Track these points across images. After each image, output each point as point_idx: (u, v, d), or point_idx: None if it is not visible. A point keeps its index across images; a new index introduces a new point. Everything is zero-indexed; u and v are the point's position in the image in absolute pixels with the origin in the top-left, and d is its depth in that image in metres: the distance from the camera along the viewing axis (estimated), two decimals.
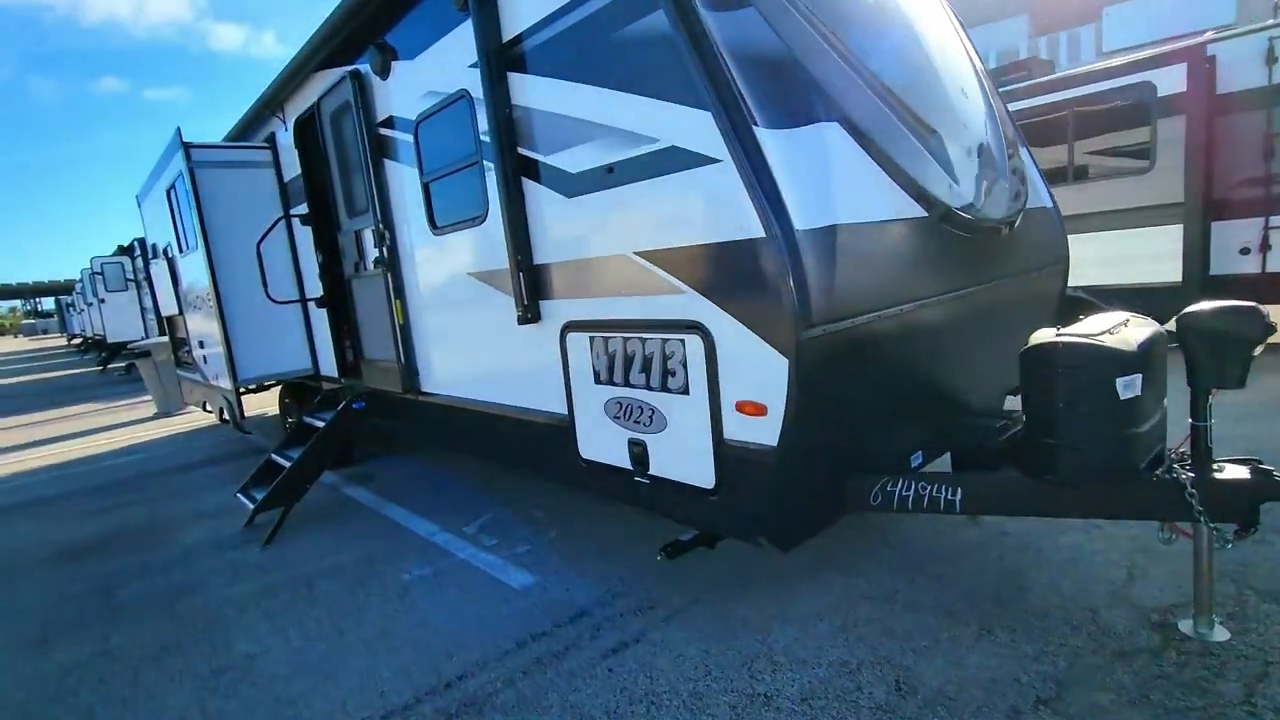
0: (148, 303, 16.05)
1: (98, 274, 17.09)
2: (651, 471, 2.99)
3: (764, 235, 2.32)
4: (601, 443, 3.22)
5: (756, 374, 2.45)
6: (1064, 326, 2.99)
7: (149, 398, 12.05)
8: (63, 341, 47.08)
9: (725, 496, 2.70)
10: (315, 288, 6.02)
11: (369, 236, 4.72)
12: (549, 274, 3.34)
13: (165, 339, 10.61)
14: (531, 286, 3.38)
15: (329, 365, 6.17)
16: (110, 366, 19.34)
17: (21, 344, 59.67)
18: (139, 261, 16.39)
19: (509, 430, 3.90)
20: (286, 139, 5.92)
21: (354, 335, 5.42)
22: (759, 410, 2.47)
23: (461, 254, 3.94)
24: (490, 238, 3.64)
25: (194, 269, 6.51)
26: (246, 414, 6.33)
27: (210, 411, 7.74)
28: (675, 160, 2.57)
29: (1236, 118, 6.51)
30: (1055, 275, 3.99)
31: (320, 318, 6.07)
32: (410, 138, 4.15)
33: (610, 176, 2.86)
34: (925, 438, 3.45)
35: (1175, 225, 6.65)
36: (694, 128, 2.47)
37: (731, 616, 3.33)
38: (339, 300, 5.90)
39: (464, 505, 5.33)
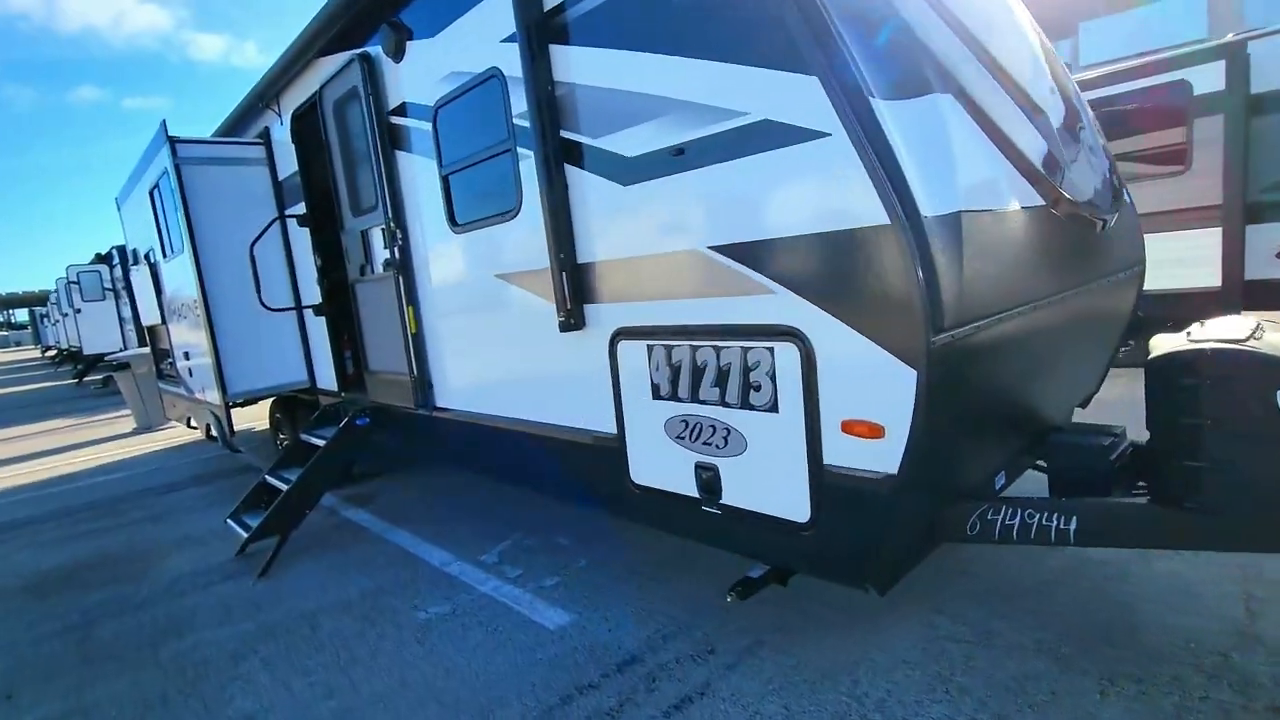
0: (126, 313, 15.37)
1: (74, 283, 16.36)
2: (725, 501, 2.58)
3: (887, 222, 1.92)
4: (660, 466, 2.80)
5: (872, 388, 2.05)
6: (1172, 333, 2.64)
7: (128, 412, 11.43)
8: (36, 354, 45.72)
9: (822, 532, 2.30)
10: (312, 294, 5.56)
11: (377, 237, 4.28)
12: (596, 274, 2.92)
13: (146, 350, 10.02)
14: (575, 289, 2.96)
15: (327, 378, 5.69)
16: (86, 379, 18.57)
17: None
18: (117, 270, 15.72)
19: (542, 451, 3.46)
20: (282, 134, 5.47)
21: (356, 345, 4.96)
22: (874, 431, 2.07)
23: (487, 254, 3.52)
24: (523, 234, 3.22)
25: (179, 275, 6.01)
26: (235, 429, 5.83)
27: (195, 428, 7.21)
28: (768, 136, 2.17)
29: (1271, 118, 6.26)
30: (1134, 279, 3.64)
31: (318, 327, 5.60)
32: (427, 126, 3.73)
33: (679, 159, 2.46)
34: (1010, 457, 3.07)
35: (1214, 228, 6.37)
36: (795, 97, 2.08)
37: (805, 663, 2.91)
38: (339, 308, 5.44)
39: (478, 530, 4.87)
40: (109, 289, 16.19)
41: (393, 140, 4.05)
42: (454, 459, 4.53)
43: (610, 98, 2.68)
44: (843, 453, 2.17)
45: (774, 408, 2.32)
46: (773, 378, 2.30)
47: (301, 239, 5.52)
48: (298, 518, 4.62)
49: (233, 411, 5.80)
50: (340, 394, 5.48)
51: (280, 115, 5.40)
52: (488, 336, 3.67)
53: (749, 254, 2.30)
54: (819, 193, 2.08)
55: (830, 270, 2.10)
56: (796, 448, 2.27)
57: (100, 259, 16.64)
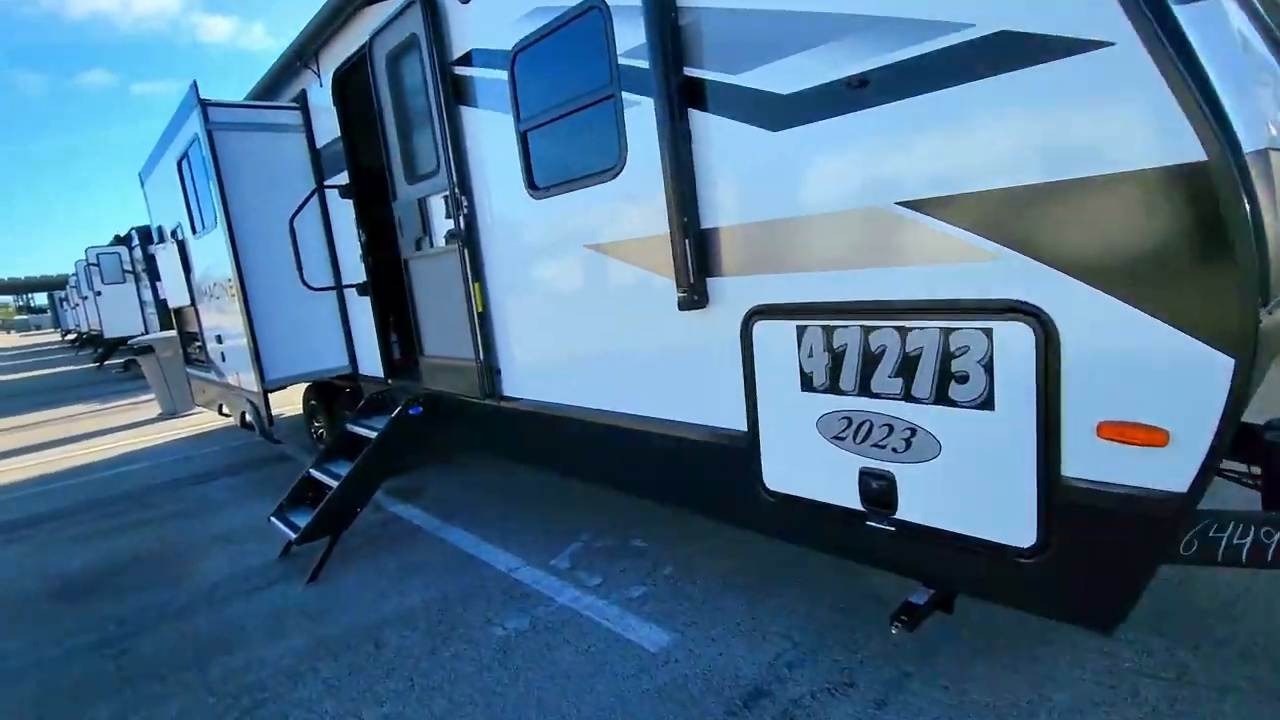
0: (147, 295, 15.03)
1: (93, 265, 16.02)
2: (901, 515, 2.10)
3: (1203, 159, 1.42)
4: (807, 471, 2.33)
5: (1155, 381, 1.57)
6: None
7: (151, 397, 11.08)
8: (56, 337, 45.78)
9: (1051, 559, 1.82)
10: (355, 272, 5.10)
11: (438, 206, 3.81)
12: (727, 242, 2.44)
13: (172, 334, 9.63)
14: (699, 260, 2.48)
15: (371, 363, 5.25)
16: (107, 363, 18.29)
17: (13, 340, 58.15)
18: (137, 252, 15.35)
19: (643, 449, 3.00)
20: (322, 96, 4.98)
21: (408, 327, 4.50)
22: (1153, 438, 1.58)
23: (578, 220, 3.04)
24: (628, 196, 2.73)
25: (211, 252, 5.56)
26: (273, 418, 5.41)
27: (227, 415, 6.80)
28: (1006, 53, 1.67)
29: None
30: None
31: (361, 308, 5.15)
32: (502, 75, 3.23)
33: (858, 93, 1.96)
34: None
35: None
36: None
37: (969, 702, 2.45)
38: (384, 287, 4.98)
39: (541, 529, 4.43)
40: (129, 271, 15.83)
41: (457, 94, 3.56)
42: (524, 455, 4.08)
43: (757, 22, 2.18)
44: (1096, 463, 1.69)
45: (988, 404, 1.83)
46: (988, 367, 1.82)
47: (343, 212, 5.06)
48: (348, 517, 4.19)
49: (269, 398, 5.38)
50: (387, 381, 5.04)
51: (319, 75, 4.91)
52: (574, 317, 3.19)
53: (961, 210, 1.81)
54: (1087, 124, 1.58)
55: (1096, 227, 1.60)
56: (1022, 454, 1.79)
57: (119, 240, 16.28)
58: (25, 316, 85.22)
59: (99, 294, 16.29)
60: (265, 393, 5.13)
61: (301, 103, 5.24)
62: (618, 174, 2.75)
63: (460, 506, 5.05)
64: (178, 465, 7.38)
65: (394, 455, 4.38)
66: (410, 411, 4.39)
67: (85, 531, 5.49)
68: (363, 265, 4.94)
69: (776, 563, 3.58)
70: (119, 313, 15.94)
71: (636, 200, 2.68)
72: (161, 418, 10.31)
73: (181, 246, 6.31)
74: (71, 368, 21.02)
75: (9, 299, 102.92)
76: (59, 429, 10.47)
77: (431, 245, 3.92)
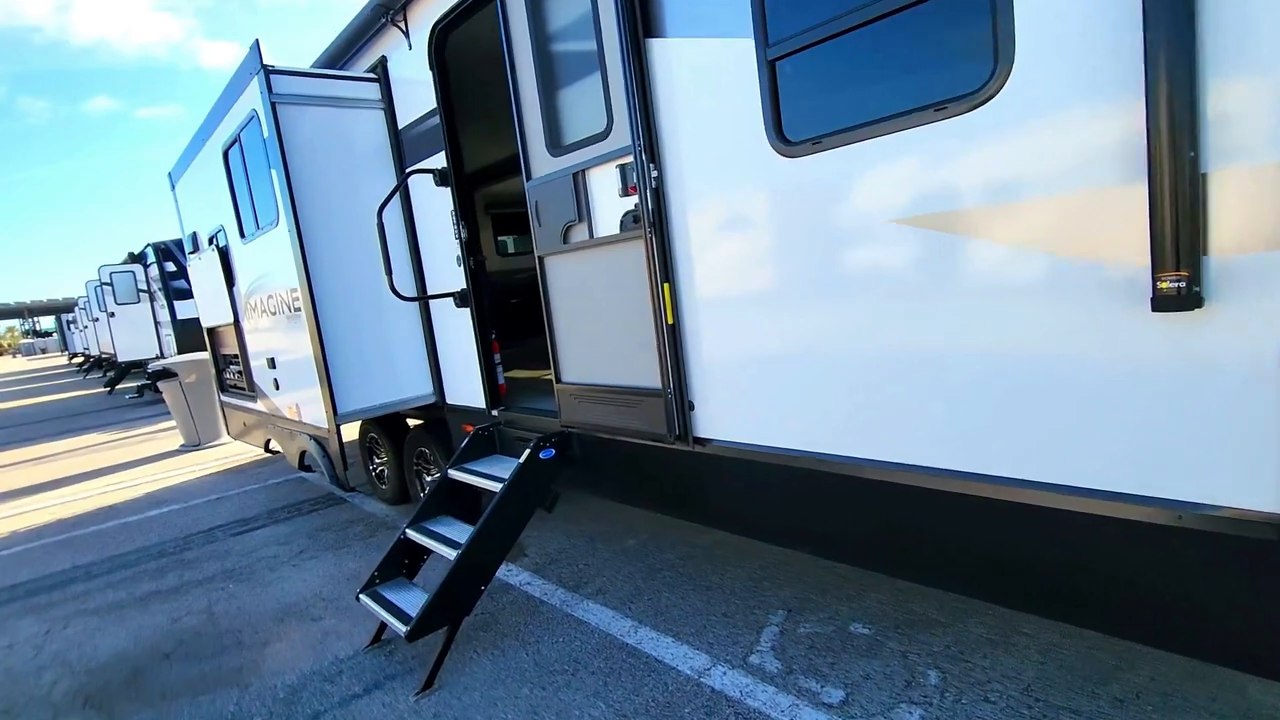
0: (163, 315, 14.04)
1: (106, 284, 15.05)
2: None
3: None
4: None
5: None
6: None
7: (171, 425, 10.06)
8: (63, 360, 44.86)
9: None
10: (446, 278, 4.10)
11: (604, 180, 2.80)
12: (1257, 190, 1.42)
13: (200, 356, 8.64)
14: (1192, 229, 1.46)
15: (466, 391, 4.23)
16: (119, 388, 17.29)
17: (20, 364, 57.18)
18: (153, 270, 14.39)
19: (1011, 530, 1.96)
20: (407, 64, 4.00)
21: (550, 346, 3.48)
22: None
23: (879, 181, 2.02)
24: (1022, 130, 1.72)
25: (265, 258, 4.57)
26: (347, 460, 4.36)
27: (275, 453, 5.77)
28: None
29: None
30: None
31: (455, 323, 4.14)
32: None
33: None
34: None
35: None
36: None
37: None
38: (487, 296, 3.98)
39: (705, 602, 3.39)
40: (144, 290, 14.87)
41: (646, 22, 2.56)
42: (728, 518, 2.98)
43: None
44: None
45: None
46: None
47: (434, 205, 4.06)
48: (471, 598, 3.14)
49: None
50: (492, 412, 4.01)
51: (408, 35, 3.93)
52: (860, 328, 2.16)
53: None
54: None
55: None
56: None
57: (134, 259, 15.34)
58: (30, 340, 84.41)
59: (112, 315, 15.31)
60: (338, 429, 4.11)
61: (380, 74, 4.26)
62: (992, 96, 1.74)
63: (581, 568, 4.01)
64: (212, 508, 6.33)
65: (524, 513, 3.34)
66: (542, 455, 3.36)
67: (117, 599, 4.44)
68: (462, 269, 3.94)
69: (1078, 661, 2.54)
70: (133, 335, 14.95)
71: (1041, 134, 1.67)
72: (184, 449, 9.28)
73: (224, 254, 5.31)
74: (81, 393, 19.99)
75: (15, 323, 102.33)
76: (77, 462, 9.43)
77: (592, 234, 2.91)
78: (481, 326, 3.96)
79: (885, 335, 2.07)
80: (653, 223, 2.61)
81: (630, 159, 2.63)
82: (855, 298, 2.13)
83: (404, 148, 4.27)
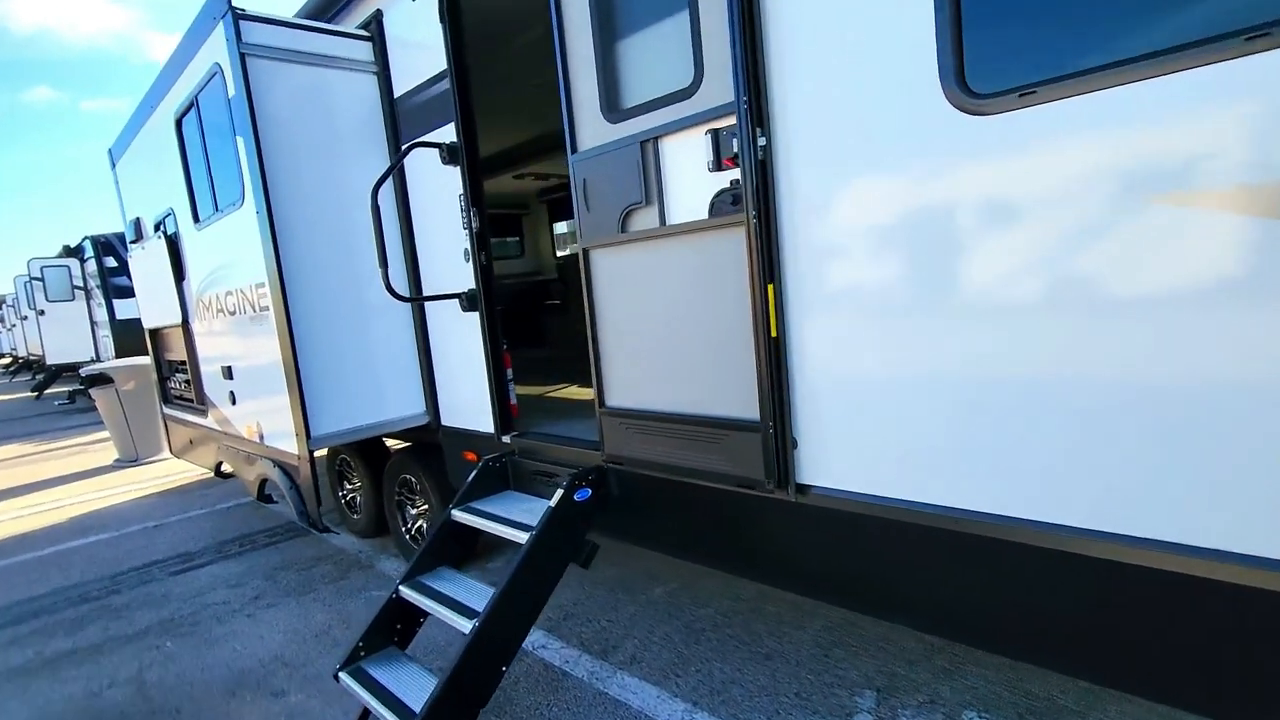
0: (101, 315, 12.81)
1: (36, 279, 13.71)
2: None
3: None
4: None
5: None
6: None
7: (105, 436, 8.98)
8: None
9: None
10: (449, 276, 3.40)
11: (683, 150, 2.17)
12: None
13: (140, 362, 7.66)
14: None
15: (467, 410, 3.52)
16: (48, 393, 15.81)
17: None
18: (90, 265, 13.15)
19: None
20: (410, 21, 3.32)
21: (592, 359, 2.84)
22: None
23: (1131, 149, 1.44)
24: None
25: (224, 246, 3.79)
26: (320, 497, 3.59)
27: (228, 475, 4.92)
28: None
29: None
30: None
31: (458, 331, 3.44)
32: None
33: None
34: None
35: None
36: None
37: None
38: (494, 298, 3.30)
39: (769, 674, 2.75)
40: (79, 287, 13.58)
41: None
42: (834, 588, 2.29)
43: None
44: None
45: None
46: None
47: (436, 189, 3.37)
48: (490, 683, 2.43)
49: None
50: (501, 438, 3.32)
51: None
52: (1089, 347, 1.55)
53: None
54: None
55: None
56: None
57: (69, 253, 14.03)
58: None
59: (41, 313, 13.95)
60: (311, 456, 3.35)
61: (375, 31, 3.56)
62: None
63: (604, 626, 3.33)
64: (149, 538, 5.43)
65: (556, 571, 2.65)
66: (577, 496, 2.69)
67: (20, 662, 3.57)
68: (471, 266, 3.25)
69: None
70: (65, 335, 13.62)
71: None
72: (119, 465, 8.24)
73: (172, 243, 4.49)
74: (6, 396, 18.31)
75: None
76: None
77: (663, 221, 2.27)
78: (492, 335, 3.28)
79: (1147, 363, 1.48)
80: (758, 205, 1.99)
81: (730, 121, 2.01)
82: (1077, 310, 1.54)
83: (400, 120, 3.57)
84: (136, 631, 3.82)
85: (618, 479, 2.75)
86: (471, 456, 3.57)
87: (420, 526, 4.26)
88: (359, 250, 3.54)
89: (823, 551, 2.21)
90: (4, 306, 25.43)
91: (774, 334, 2.05)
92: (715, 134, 2.05)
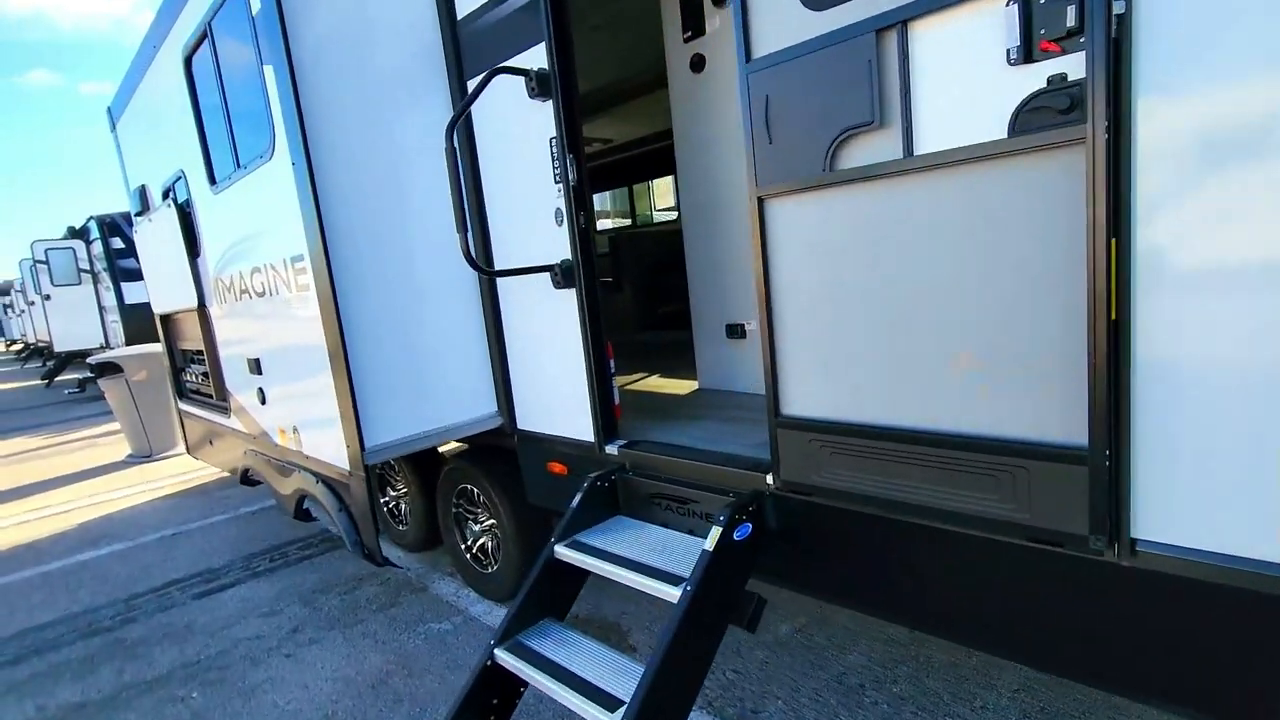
0: (109, 300, 12.13)
1: (41, 263, 13.03)
2: None
3: None
4: None
5: None
6: None
7: (117, 427, 8.34)
8: (0, 347, 41.51)
9: None
10: (530, 245, 2.68)
11: (952, 40, 1.43)
12: None
13: (152, 349, 6.99)
14: None
15: (553, 411, 2.81)
16: (58, 380, 15.21)
17: None
18: (96, 247, 12.44)
19: None
20: None
21: (765, 350, 2.13)
22: None
23: None
24: None
25: (249, 212, 3.07)
26: (378, 524, 2.90)
27: (255, 483, 4.25)
28: None
29: None
30: None
31: (539, 313, 2.73)
32: None
33: None
34: None
35: None
36: None
37: None
38: (595, 272, 2.58)
39: None
40: (85, 270, 12.89)
41: None
42: (1164, 691, 1.56)
43: None
44: None
45: None
46: None
47: (512, 135, 2.64)
48: None
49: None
50: (604, 448, 2.61)
51: None
52: None
53: None
54: None
55: None
56: None
57: (75, 234, 13.34)
58: None
59: (48, 298, 13.28)
60: (368, 471, 2.65)
61: None
62: None
63: (736, 683, 2.64)
64: (167, 549, 4.78)
65: (716, 637, 1.96)
66: (737, 535, 1.99)
67: (18, 717, 2.94)
68: (565, 230, 2.52)
69: None
70: (73, 321, 12.96)
71: None
72: (132, 460, 7.60)
73: (184, 212, 3.77)
74: (16, 385, 17.73)
75: None
76: None
77: (909, 150, 1.53)
78: (593, 318, 2.56)
79: None
80: (1109, 113, 1.25)
81: None
82: None
83: (464, 49, 2.82)
84: (156, 677, 3.17)
85: (784, 510, 2.05)
86: (559, 469, 2.87)
87: (483, 545, 3.58)
88: (414, 215, 2.82)
89: (1146, 635, 1.50)
90: (12, 292, 24.82)
91: (1113, 316, 1.32)
92: (1026, 5, 1.30)
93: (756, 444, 2.41)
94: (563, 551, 2.30)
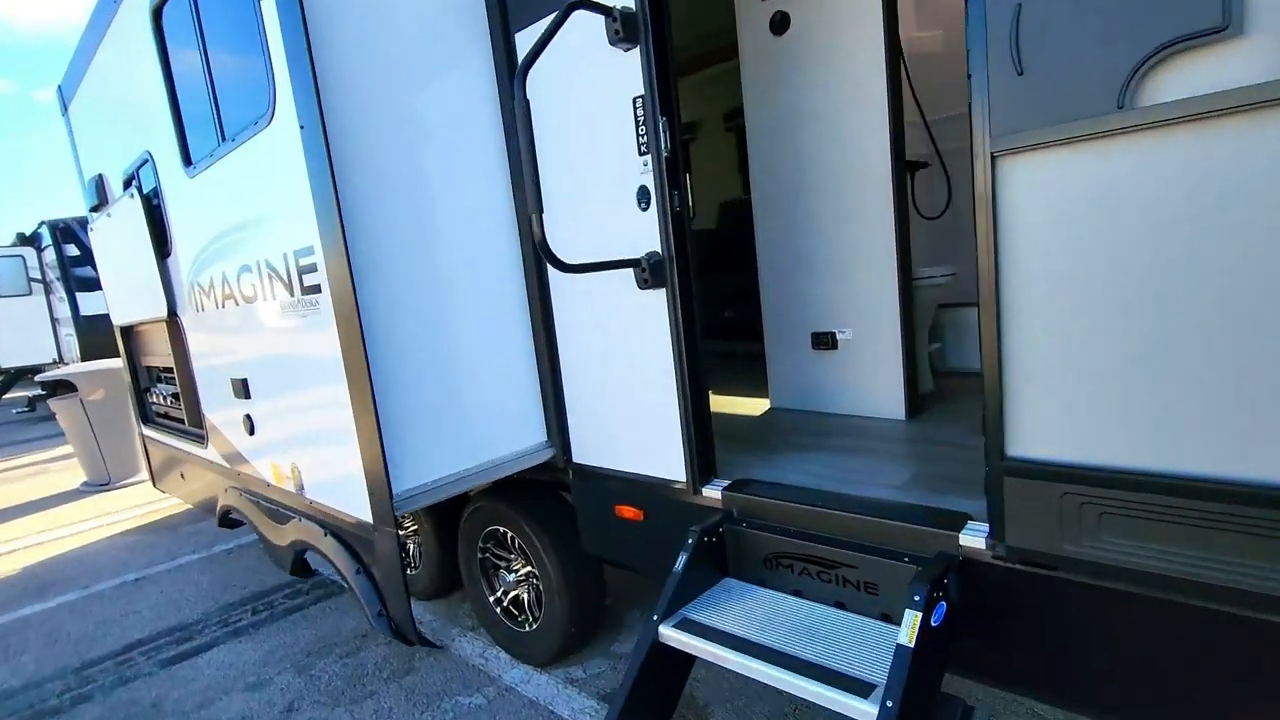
0: (63, 311, 11.19)
1: None
2: None
3: None
4: None
5: None
6: None
7: (70, 451, 7.51)
8: None
9: None
10: (605, 234, 2.13)
11: None
12: None
13: (113, 364, 6.24)
14: None
15: (627, 442, 2.25)
16: (7, 397, 14.09)
17: None
18: (49, 254, 11.48)
19: None
20: None
21: (991, 369, 1.68)
22: None
23: None
24: None
25: (237, 197, 2.46)
26: (411, 595, 2.29)
27: (237, 524, 3.59)
28: None
29: None
30: None
31: (615, 323, 2.17)
32: None
33: None
34: None
35: None
36: None
37: None
38: (690, 268, 2.03)
39: None
40: (36, 280, 11.90)
41: None
42: None
43: None
44: None
45: None
46: None
47: (583, 90, 2.09)
48: None
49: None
50: (699, 489, 2.06)
51: None
52: None
53: None
54: None
55: None
56: None
57: (25, 241, 12.33)
58: None
59: None
60: (396, 524, 2.05)
61: None
62: None
63: None
64: (129, 599, 4.08)
65: None
66: (934, 619, 1.44)
67: None
68: (654, 216, 1.97)
69: None
70: (22, 334, 11.94)
71: None
72: (87, 488, 6.80)
73: (150, 204, 3.13)
74: None
75: None
76: None
77: None
78: (687, 326, 2.00)
79: None
80: None
81: None
82: None
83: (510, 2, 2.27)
84: None
85: (999, 585, 1.51)
86: (631, 513, 2.30)
87: (518, 598, 2.99)
88: (443, 205, 2.25)
89: None
90: None
91: None
92: None
93: (898, 484, 1.88)
94: (672, 635, 1.74)
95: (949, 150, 3.32)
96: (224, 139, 2.38)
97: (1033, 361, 1.32)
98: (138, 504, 6.06)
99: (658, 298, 2.03)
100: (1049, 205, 1.25)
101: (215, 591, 4.07)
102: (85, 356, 10.15)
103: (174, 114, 2.68)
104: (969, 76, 1.29)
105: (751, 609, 1.79)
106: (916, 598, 1.42)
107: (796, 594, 1.81)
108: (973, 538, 1.52)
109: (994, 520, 1.42)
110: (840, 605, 1.73)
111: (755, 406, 3.11)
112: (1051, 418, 1.31)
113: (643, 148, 1.97)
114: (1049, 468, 1.33)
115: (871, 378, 2.65)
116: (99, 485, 6.76)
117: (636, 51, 1.92)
